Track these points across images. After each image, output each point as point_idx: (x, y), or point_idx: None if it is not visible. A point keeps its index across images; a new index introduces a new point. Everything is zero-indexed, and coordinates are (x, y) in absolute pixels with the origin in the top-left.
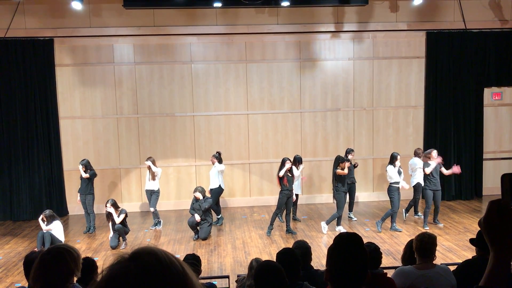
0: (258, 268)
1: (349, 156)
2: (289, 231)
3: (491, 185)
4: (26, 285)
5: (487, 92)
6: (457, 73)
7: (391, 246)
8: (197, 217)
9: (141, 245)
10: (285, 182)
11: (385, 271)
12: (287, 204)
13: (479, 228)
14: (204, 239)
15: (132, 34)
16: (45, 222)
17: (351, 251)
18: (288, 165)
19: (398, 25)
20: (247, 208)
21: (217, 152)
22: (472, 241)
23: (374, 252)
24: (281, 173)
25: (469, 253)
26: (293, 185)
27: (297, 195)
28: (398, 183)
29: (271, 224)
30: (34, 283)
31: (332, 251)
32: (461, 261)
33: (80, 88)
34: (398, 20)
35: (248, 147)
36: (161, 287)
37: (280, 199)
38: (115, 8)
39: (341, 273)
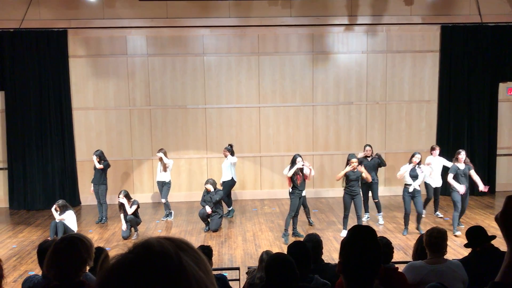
0: (269, 260)
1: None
2: (295, 234)
3: (505, 181)
4: (40, 273)
5: (502, 87)
6: (471, 68)
7: (402, 241)
8: (208, 209)
9: (145, 237)
10: (298, 182)
11: (396, 265)
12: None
13: (492, 224)
14: (215, 231)
15: (145, 26)
16: (58, 212)
17: (365, 244)
18: (299, 164)
19: (413, 18)
20: (257, 201)
21: (229, 145)
22: (466, 246)
23: (385, 246)
24: (290, 173)
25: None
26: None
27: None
28: (410, 185)
29: (286, 229)
30: (48, 271)
31: (346, 243)
32: None
33: (93, 79)
34: (413, 13)
35: (259, 140)
36: (149, 278)
37: (293, 200)
38: None
39: (354, 266)
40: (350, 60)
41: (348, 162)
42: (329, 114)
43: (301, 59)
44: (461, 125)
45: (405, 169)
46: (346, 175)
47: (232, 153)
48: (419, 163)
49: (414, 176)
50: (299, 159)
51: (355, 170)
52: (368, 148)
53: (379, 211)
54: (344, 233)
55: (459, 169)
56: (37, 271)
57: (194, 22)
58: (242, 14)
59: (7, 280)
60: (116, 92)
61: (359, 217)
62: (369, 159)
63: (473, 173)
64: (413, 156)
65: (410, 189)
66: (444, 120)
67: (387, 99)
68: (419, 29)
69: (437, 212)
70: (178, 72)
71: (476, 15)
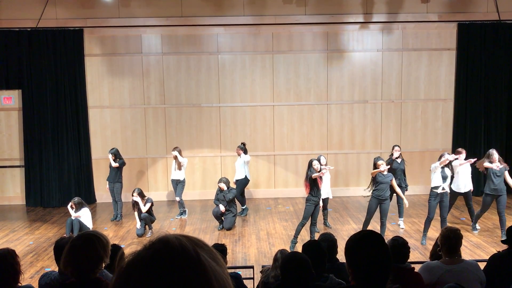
0: (285, 259)
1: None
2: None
3: None
4: (56, 269)
5: None
6: (489, 66)
7: (417, 240)
8: (222, 208)
9: (162, 234)
10: (320, 186)
11: (412, 266)
12: (313, 213)
13: (509, 224)
14: (229, 229)
15: (160, 24)
16: (74, 209)
17: (374, 249)
18: (317, 166)
19: (429, 16)
20: (271, 199)
21: (242, 143)
22: (503, 242)
23: (401, 246)
24: (315, 175)
25: (499, 249)
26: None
27: (327, 199)
28: (438, 187)
29: (295, 237)
30: (65, 268)
31: (354, 251)
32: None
33: (109, 78)
34: (429, 11)
35: (273, 139)
36: (170, 273)
37: (307, 207)
38: None
39: (366, 272)
40: (365, 58)
41: (375, 166)
42: (343, 113)
43: (315, 58)
44: (478, 124)
45: (437, 168)
46: (374, 178)
47: (245, 152)
48: (448, 164)
49: (444, 178)
50: (315, 162)
51: (385, 173)
52: (397, 148)
53: (400, 216)
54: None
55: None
56: (53, 267)
57: (208, 20)
58: (256, 12)
59: (24, 276)
60: (131, 91)
61: (383, 224)
62: (398, 160)
63: (507, 174)
64: (442, 156)
65: (439, 190)
66: (461, 119)
67: (402, 98)
68: (435, 27)
69: (475, 225)
70: (192, 70)
71: (494, 13)
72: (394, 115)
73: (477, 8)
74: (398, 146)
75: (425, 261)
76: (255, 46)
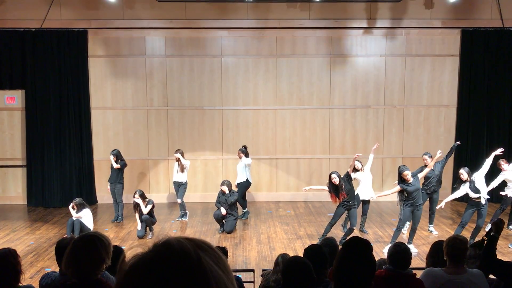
0: (287, 263)
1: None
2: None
3: None
4: (57, 270)
5: None
6: (492, 73)
7: (418, 247)
8: (223, 211)
9: (165, 236)
10: (335, 201)
11: (414, 271)
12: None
13: (511, 232)
14: (229, 232)
15: (164, 27)
16: (75, 210)
17: (359, 258)
18: (334, 179)
19: (433, 22)
20: (272, 203)
21: (243, 146)
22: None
23: (403, 252)
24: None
25: (500, 257)
26: (363, 189)
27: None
28: (478, 197)
29: (323, 235)
30: (66, 268)
31: (341, 255)
32: None
33: (112, 79)
34: (433, 17)
35: (275, 142)
36: (169, 276)
37: (338, 209)
38: (147, 0)
39: (346, 277)
40: (368, 63)
41: (400, 175)
42: (346, 118)
43: (318, 62)
44: (480, 131)
45: (466, 189)
46: (404, 189)
47: (247, 155)
48: (469, 177)
49: (476, 191)
50: (333, 175)
51: (411, 181)
52: (425, 157)
53: (431, 222)
54: (386, 249)
55: None
56: (53, 268)
57: (212, 23)
58: (260, 16)
59: (24, 276)
60: (134, 92)
61: (414, 230)
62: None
63: None
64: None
65: (483, 201)
66: (463, 125)
67: (405, 103)
68: (439, 33)
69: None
70: (195, 73)
71: (498, 20)
72: (397, 120)
73: (481, 14)
74: (428, 153)
75: (424, 267)
76: (258, 50)
